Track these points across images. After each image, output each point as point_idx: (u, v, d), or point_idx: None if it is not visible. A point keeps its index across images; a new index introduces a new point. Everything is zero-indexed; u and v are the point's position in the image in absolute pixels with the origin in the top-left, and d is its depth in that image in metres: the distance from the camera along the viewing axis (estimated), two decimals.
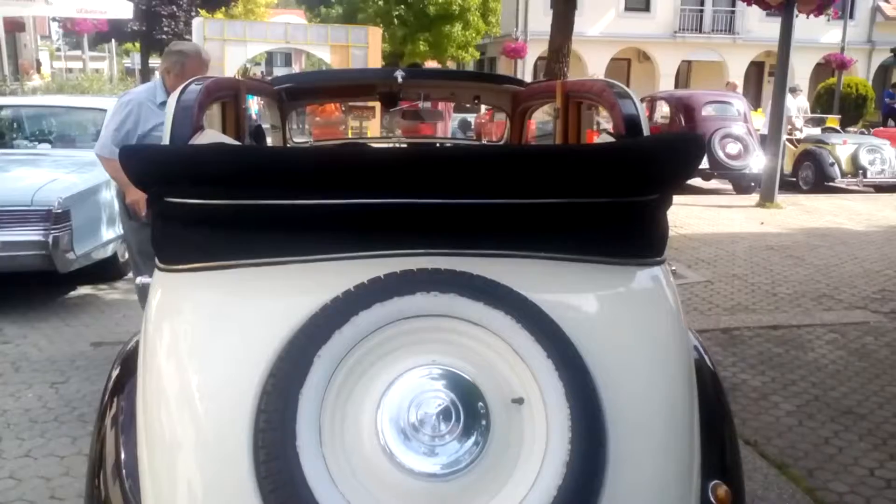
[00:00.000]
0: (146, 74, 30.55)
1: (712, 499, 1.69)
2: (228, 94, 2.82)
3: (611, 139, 2.26)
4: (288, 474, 1.39)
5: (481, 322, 1.57)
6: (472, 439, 1.48)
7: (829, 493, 3.08)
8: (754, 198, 10.95)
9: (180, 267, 1.68)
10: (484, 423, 1.50)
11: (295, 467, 1.39)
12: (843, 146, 12.65)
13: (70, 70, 29.89)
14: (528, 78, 23.45)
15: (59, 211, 5.19)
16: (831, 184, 12.51)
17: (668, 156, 1.77)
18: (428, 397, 1.50)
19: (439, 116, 7.50)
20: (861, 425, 3.69)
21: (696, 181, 12.26)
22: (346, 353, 1.51)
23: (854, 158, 12.49)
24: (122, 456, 1.70)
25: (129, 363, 1.93)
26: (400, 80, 3.56)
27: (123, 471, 1.68)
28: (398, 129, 10.08)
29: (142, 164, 1.68)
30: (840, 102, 23.21)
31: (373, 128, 11.80)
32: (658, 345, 1.72)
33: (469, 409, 1.50)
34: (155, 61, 35.69)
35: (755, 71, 31.64)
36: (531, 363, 1.54)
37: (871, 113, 24.48)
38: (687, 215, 9.38)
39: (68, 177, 5.63)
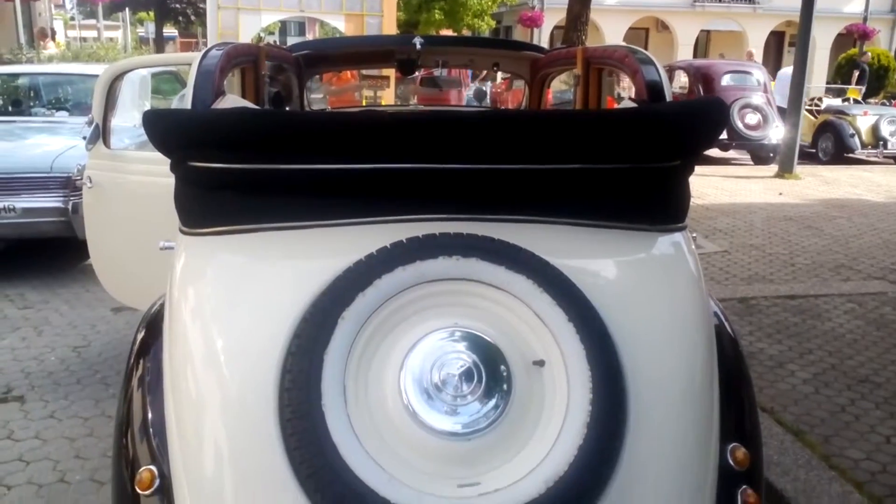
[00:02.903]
0: (160, 44, 30.50)
1: (731, 461, 1.70)
2: (248, 60, 2.82)
3: (633, 105, 2.25)
4: (313, 432, 1.41)
5: (503, 286, 1.58)
6: (494, 400, 1.50)
7: (845, 459, 3.09)
8: (773, 168, 10.88)
9: (204, 230, 1.70)
10: (505, 384, 1.51)
11: (320, 425, 1.41)
12: (864, 117, 12.50)
13: (84, 39, 29.88)
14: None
15: (78, 178, 5.23)
16: (851, 155, 12.39)
17: (691, 121, 1.76)
18: (450, 359, 1.52)
19: (456, 84, 7.47)
20: (877, 394, 3.69)
21: (714, 151, 12.16)
22: (370, 315, 1.53)
23: (875, 130, 12.35)
24: (150, 415, 1.73)
25: (154, 326, 1.96)
26: (418, 46, 3.55)
27: (151, 430, 1.71)
28: (414, 98, 10.04)
29: (165, 128, 1.69)
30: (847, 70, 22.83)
31: (387, 97, 11.76)
32: (678, 309, 1.72)
33: (490, 370, 1.51)
34: (169, 31, 35.57)
35: (775, 41, 31.12)
36: (552, 326, 1.55)
37: (892, 84, 24.07)
38: (705, 186, 9.33)
39: None
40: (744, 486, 1.70)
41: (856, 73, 17.80)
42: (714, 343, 1.76)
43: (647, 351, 1.61)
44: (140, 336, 2.02)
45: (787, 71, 12.40)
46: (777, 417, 3.40)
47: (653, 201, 1.77)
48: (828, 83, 21.79)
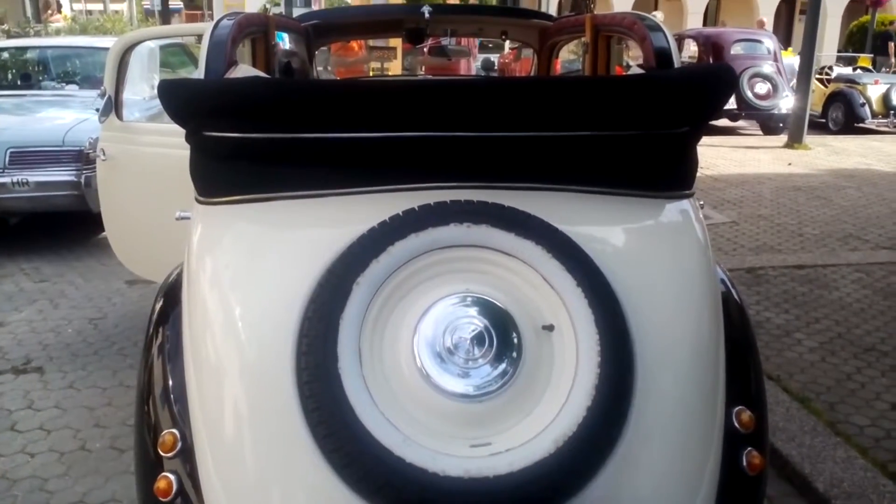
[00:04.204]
0: (166, 16, 30.30)
1: (736, 423, 1.74)
2: (258, 30, 2.83)
3: (641, 72, 2.26)
4: (330, 394, 1.45)
5: (513, 252, 1.61)
6: (504, 363, 1.53)
7: (850, 425, 3.13)
8: (782, 139, 10.81)
9: (220, 200, 1.73)
10: (515, 348, 1.55)
11: (337, 387, 1.45)
12: (875, 86, 12.37)
13: (90, 12, 29.74)
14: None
15: (90, 151, 5.26)
16: (861, 125, 12.27)
17: (699, 88, 1.77)
18: (462, 323, 1.55)
19: (465, 53, 7.43)
20: (884, 362, 3.73)
21: (723, 121, 12.08)
22: (384, 281, 1.56)
23: (886, 99, 12.23)
24: (170, 382, 1.77)
25: (172, 294, 1.99)
26: (427, 15, 3.54)
27: (172, 395, 1.75)
28: (422, 69, 9.99)
29: (180, 98, 1.71)
30: (873, 41, 22.53)
31: (394, 69, 11.69)
32: (685, 275, 1.75)
33: (501, 334, 1.55)
34: (175, 3, 35.27)
35: (786, 9, 30.70)
36: (561, 292, 1.58)
37: None
38: (713, 156, 9.29)
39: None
40: (749, 448, 1.74)
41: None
42: (720, 308, 1.79)
43: (654, 315, 1.64)
44: (158, 305, 2.06)
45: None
46: (783, 385, 3.44)
47: (660, 168, 1.79)
48: (839, 51, 21.48)
